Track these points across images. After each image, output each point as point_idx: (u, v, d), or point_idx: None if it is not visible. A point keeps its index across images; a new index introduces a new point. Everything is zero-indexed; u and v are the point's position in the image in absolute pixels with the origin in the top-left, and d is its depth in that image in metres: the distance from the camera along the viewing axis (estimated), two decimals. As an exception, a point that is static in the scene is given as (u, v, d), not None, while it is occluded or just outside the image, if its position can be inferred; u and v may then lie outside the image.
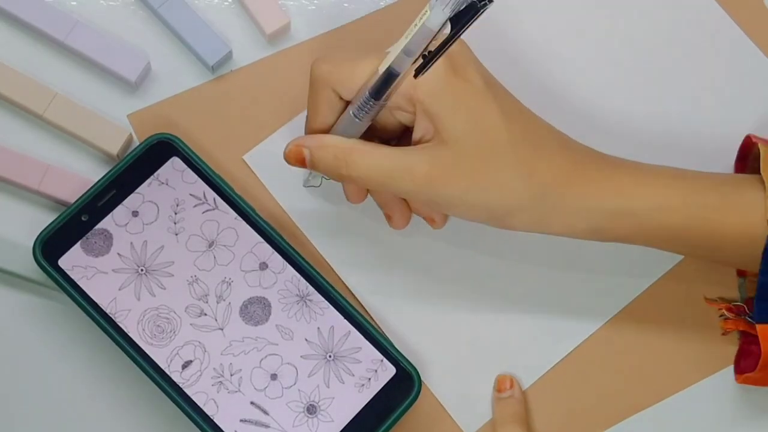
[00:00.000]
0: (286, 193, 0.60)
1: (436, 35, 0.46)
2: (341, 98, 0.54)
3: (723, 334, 0.60)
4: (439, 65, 0.48)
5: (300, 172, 0.59)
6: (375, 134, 0.56)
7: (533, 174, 0.52)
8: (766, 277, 0.53)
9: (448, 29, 0.45)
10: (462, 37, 0.46)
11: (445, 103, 0.51)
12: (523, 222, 0.53)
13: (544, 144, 0.53)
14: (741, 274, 0.60)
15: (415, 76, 0.48)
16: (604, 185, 0.53)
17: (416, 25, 0.46)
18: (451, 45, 0.46)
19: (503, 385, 0.58)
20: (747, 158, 0.59)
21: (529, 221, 0.53)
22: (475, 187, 0.52)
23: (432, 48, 0.46)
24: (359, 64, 0.52)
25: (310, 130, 0.56)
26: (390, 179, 0.52)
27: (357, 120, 0.52)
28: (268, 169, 0.60)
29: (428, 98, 0.52)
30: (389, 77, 0.49)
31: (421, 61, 0.47)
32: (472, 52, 0.53)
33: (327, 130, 0.55)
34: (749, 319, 0.58)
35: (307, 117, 0.56)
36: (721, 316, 0.60)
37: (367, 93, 0.51)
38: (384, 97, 0.51)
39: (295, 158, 0.54)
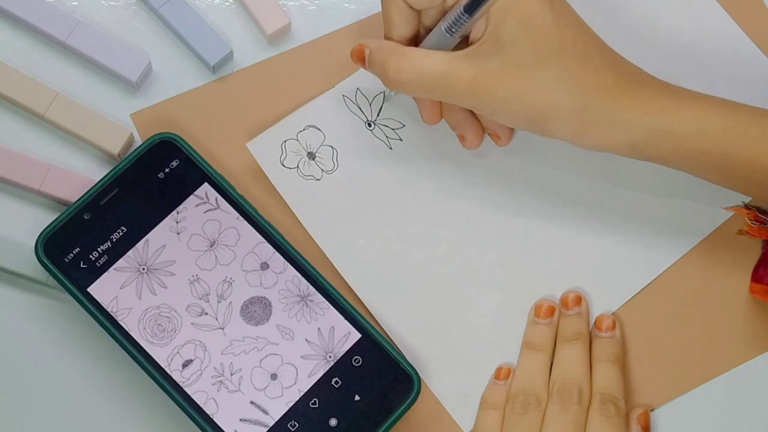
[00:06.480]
0: (288, 184, 0.60)
1: None
2: (411, 7, 0.54)
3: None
4: None
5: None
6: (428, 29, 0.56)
7: (577, 85, 0.52)
8: None
9: None
10: None
11: (502, 2, 0.52)
12: (562, 130, 0.53)
13: (591, 56, 0.53)
14: None
15: None
16: (647, 103, 0.53)
17: None
18: None
19: (539, 311, 0.59)
20: None
21: (568, 130, 0.53)
22: (518, 95, 0.52)
23: None
24: None
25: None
26: (436, 86, 0.52)
27: (449, 35, 0.53)
28: (270, 157, 0.60)
29: None
30: None
31: None
32: None
33: (407, 44, 0.55)
34: None
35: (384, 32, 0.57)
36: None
37: (461, 8, 0.51)
38: (480, 12, 0.51)
39: (357, 56, 0.56)
